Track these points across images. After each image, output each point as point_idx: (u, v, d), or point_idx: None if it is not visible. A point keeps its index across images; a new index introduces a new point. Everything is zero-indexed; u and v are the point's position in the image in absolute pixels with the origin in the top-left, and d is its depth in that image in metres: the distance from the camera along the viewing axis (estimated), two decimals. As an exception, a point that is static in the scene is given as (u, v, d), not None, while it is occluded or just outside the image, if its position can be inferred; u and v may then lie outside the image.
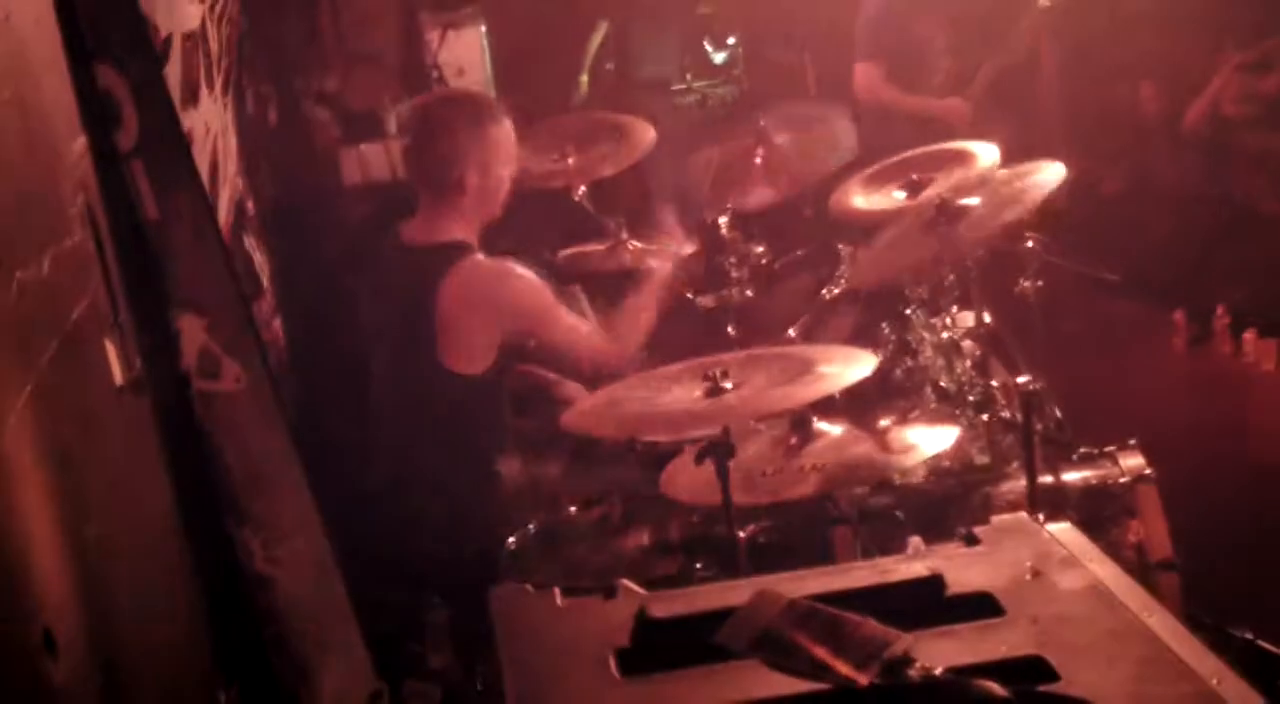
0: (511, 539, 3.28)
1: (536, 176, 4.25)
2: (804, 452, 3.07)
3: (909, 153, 4.16)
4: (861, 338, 3.85)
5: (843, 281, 4.12)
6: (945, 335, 3.94)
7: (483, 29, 7.34)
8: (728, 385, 2.82)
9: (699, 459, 2.91)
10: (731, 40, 8.35)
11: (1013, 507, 3.25)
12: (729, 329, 4.27)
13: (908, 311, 3.90)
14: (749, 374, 2.90)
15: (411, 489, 3.51)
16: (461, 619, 3.21)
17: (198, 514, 2.46)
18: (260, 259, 4.09)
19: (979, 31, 6.40)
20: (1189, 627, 3.14)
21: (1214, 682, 1.66)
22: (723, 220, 4.34)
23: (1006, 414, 3.76)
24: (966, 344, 3.94)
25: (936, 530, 3.27)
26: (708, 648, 1.83)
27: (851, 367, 2.96)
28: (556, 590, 2.09)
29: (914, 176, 3.85)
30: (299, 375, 4.28)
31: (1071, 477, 3.41)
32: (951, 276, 3.99)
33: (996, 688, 1.64)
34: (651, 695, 1.80)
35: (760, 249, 4.44)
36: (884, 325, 3.93)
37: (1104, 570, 1.95)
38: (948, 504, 3.42)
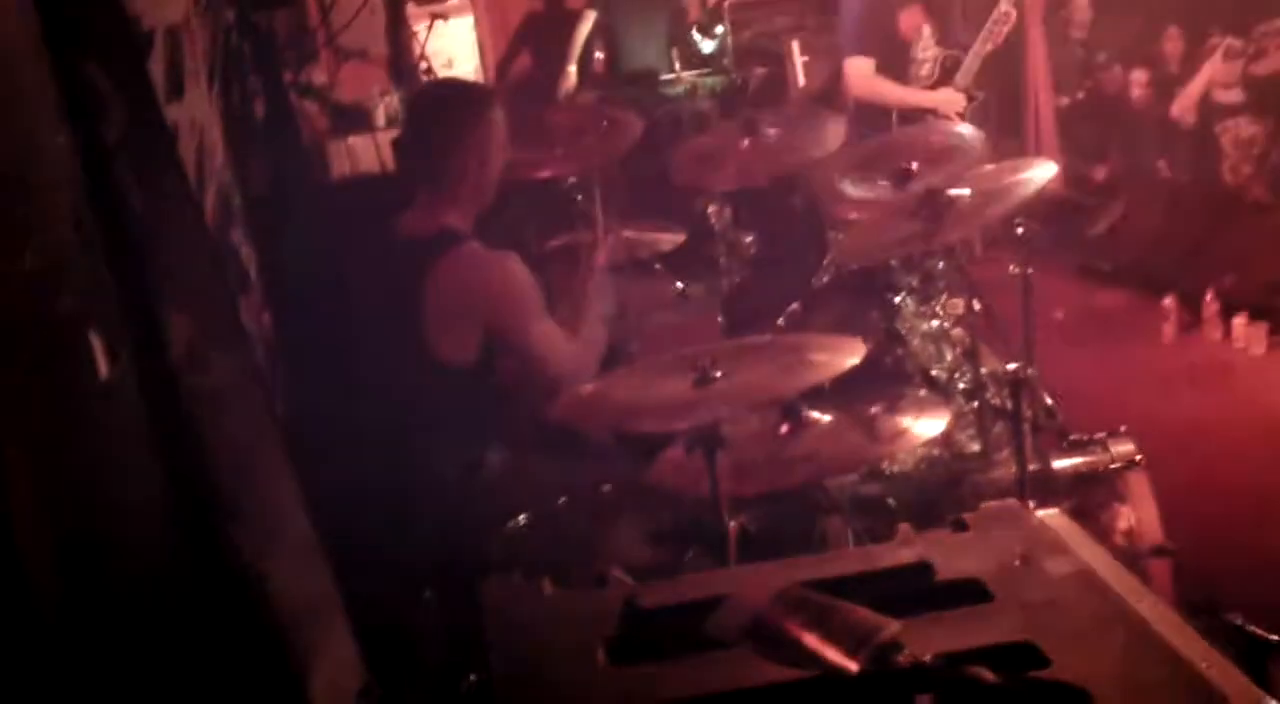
0: (501, 531, 3.28)
1: (525, 167, 4.24)
2: (794, 440, 3.07)
3: (897, 136, 4.16)
4: (851, 326, 3.85)
5: (832, 269, 4.12)
6: (935, 323, 3.94)
7: (471, 20, 7.35)
8: (717, 374, 2.82)
9: (688, 449, 2.90)
10: (720, 30, 8.35)
11: (1004, 494, 3.25)
12: (718, 318, 4.27)
13: (897, 299, 3.89)
14: (738, 363, 2.90)
15: (401, 482, 3.50)
16: (452, 612, 3.21)
17: (184, 509, 2.45)
18: (248, 252, 4.07)
19: (964, 20, 6.41)
20: (1180, 612, 3.17)
21: (1203, 666, 1.66)
22: (711, 209, 4.33)
23: (996, 401, 3.76)
24: (956, 332, 3.94)
25: (927, 518, 3.29)
26: (697, 637, 1.82)
27: (841, 355, 2.96)
28: (546, 581, 2.09)
29: (903, 165, 3.84)
30: (287, 369, 4.27)
31: (1062, 463, 3.42)
32: (941, 264, 3.99)
33: (986, 673, 1.64)
34: (640, 685, 1.80)
35: (749, 238, 4.44)
36: (873, 313, 3.92)
37: (1093, 556, 1.95)
38: (938, 492, 3.43)
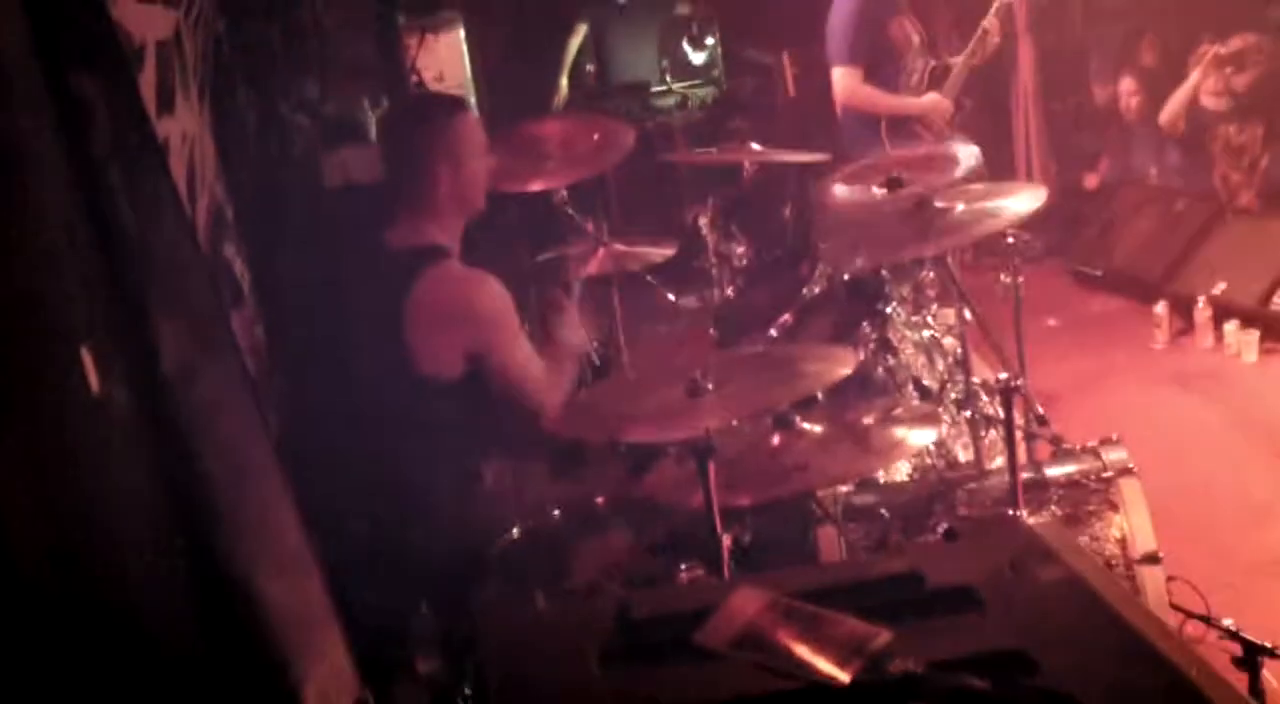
0: (496, 542, 3.28)
1: (517, 179, 4.24)
2: (787, 451, 3.08)
3: (891, 152, 4.17)
4: (842, 336, 3.86)
5: (823, 279, 4.12)
6: (926, 333, 3.96)
7: (461, 33, 7.35)
8: (709, 386, 2.82)
9: (681, 460, 2.90)
10: (710, 41, 8.37)
11: (996, 503, 3.26)
12: (710, 329, 4.28)
13: (888, 309, 3.91)
14: (730, 374, 2.90)
15: (395, 494, 3.50)
16: (448, 623, 3.21)
17: (177, 520, 2.44)
18: (241, 266, 4.07)
19: (952, 30, 6.44)
20: (1173, 619, 3.17)
21: (1193, 673, 1.66)
22: (703, 221, 4.34)
23: (989, 410, 3.77)
24: (947, 341, 3.96)
25: (920, 527, 3.30)
26: (689, 647, 1.83)
27: (832, 365, 2.96)
28: (539, 593, 2.10)
29: (895, 175, 3.85)
30: (280, 381, 4.26)
31: (1054, 471, 3.42)
32: (931, 274, 4.00)
33: (977, 681, 1.64)
34: (633, 696, 1.80)
35: (740, 249, 4.45)
36: (865, 323, 3.93)
37: (1083, 564, 1.95)
38: (931, 501, 3.43)
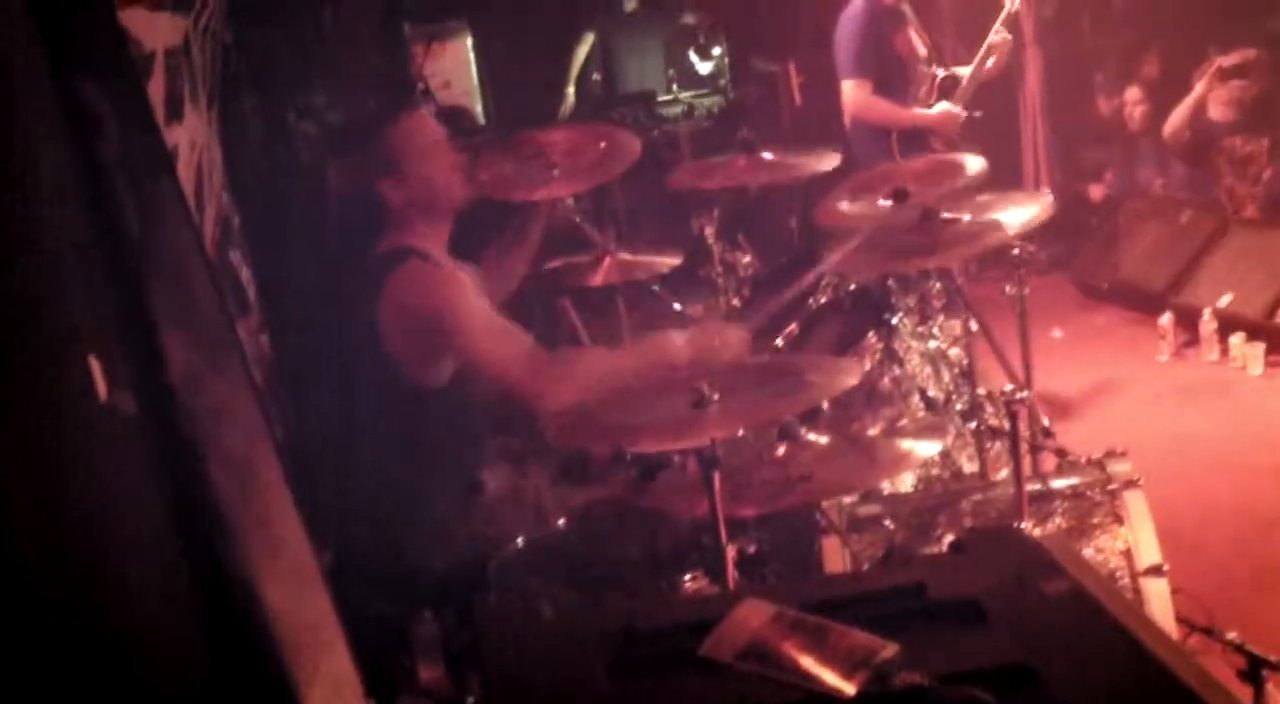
0: (500, 553, 3.28)
1: (523, 188, 4.24)
2: (792, 461, 3.07)
3: (897, 162, 4.17)
4: (848, 347, 3.86)
5: (829, 290, 4.12)
6: (932, 344, 3.96)
7: (468, 41, 7.37)
8: (714, 396, 2.82)
9: (686, 470, 2.90)
10: (717, 50, 8.38)
11: (1002, 514, 3.26)
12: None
13: (894, 320, 3.90)
14: (735, 384, 2.90)
15: (397, 503, 3.50)
16: (451, 633, 3.21)
17: (183, 528, 2.45)
18: (247, 274, 4.08)
19: (959, 41, 6.45)
20: (1178, 631, 3.17)
21: (1198, 687, 1.66)
22: (709, 230, 4.34)
23: (994, 422, 3.77)
24: (953, 352, 3.96)
25: (925, 539, 3.30)
26: (695, 659, 1.83)
27: (838, 376, 2.96)
28: (543, 603, 2.09)
29: (901, 186, 3.85)
30: (286, 390, 4.27)
31: (1059, 483, 3.42)
32: (937, 285, 4.00)
33: (982, 695, 1.64)
34: (639, 707, 1.80)
35: (746, 259, 4.45)
36: (871, 334, 3.93)
37: (1088, 577, 1.95)
38: (936, 513, 3.43)
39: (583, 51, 8.29)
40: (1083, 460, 3.51)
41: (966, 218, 3.54)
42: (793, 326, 4.01)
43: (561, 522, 3.35)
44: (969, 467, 3.81)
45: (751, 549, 3.16)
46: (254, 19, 4.69)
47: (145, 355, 2.40)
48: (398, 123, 3.64)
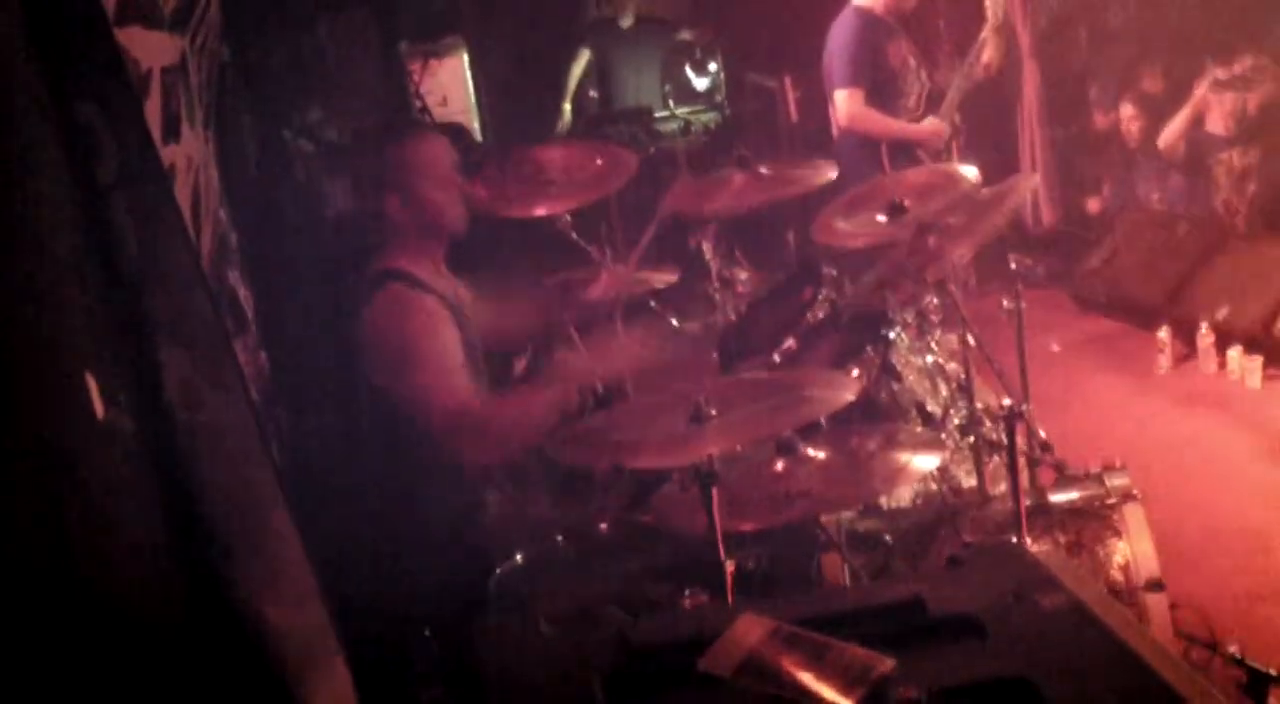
0: (499, 569, 3.27)
1: (520, 204, 4.25)
2: (790, 477, 3.07)
3: (889, 175, 4.18)
4: (845, 362, 3.86)
5: (826, 305, 4.12)
6: (929, 358, 3.95)
7: (465, 59, 7.38)
8: (712, 412, 2.82)
9: (685, 486, 2.90)
10: (713, 66, 8.40)
11: (1000, 529, 3.26)
12: (713, 354, 4.28)
13: (891, 335, 3.90)
14: (734, 400, 2.90)
15: (397, 520, 3.50)
16: (450, 651, 3.20)
17: (181, 547, 2.45)
18: (245, 292, 4.08)
19: (953, 55, 6.50)
20: (1178, 645, 3.16)
21: (1197, 701, 1.66)
22: (706, 246, 4.34)
23: (992, 436, 3.77)
24: (951, 367, 3.95)
25: (924, 553, 3.30)
26: (692, 675, 1.82)
27: (836, 391, 2.97)
28: (541, 620, 2.09)
29: (895, 200, 3.86)
30: (284, 407, 4.27)
31: (1058, 498, 3.41)
32: (934, 299, 4.00)
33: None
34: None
35: (744, 274, 4.45)
36: (868, 349, 3.93)
37: (1086, 591, 1.95)
38: (935, 527, 3.43)
39: (579, 68, 8.31)
40: (1081, 474, 3.51)
41: (961, 218, 3.56)
42: (790, 342, 4.01)
43: (561, 539, 3.34)
44: (968, 481, 3.80)
45: (750, 564, 3.16)
46: (251, 37, 4.70)
47: (143, 373, 2.40)
48: (412, 143, 3.64)
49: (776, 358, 4.01)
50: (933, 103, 6.03)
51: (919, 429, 3.66)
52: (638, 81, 8.35)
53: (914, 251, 3.61)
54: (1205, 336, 6.24)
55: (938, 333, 3.99)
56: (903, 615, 1.97)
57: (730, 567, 2.88)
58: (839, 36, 5.96)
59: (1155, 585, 3.23)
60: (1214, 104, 7.13)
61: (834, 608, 2.04)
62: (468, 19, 7.55)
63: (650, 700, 1.82)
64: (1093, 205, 7.98)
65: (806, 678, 1.76)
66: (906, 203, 3.83)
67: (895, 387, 3.87)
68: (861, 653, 1.78)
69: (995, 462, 3.76)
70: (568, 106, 8.26)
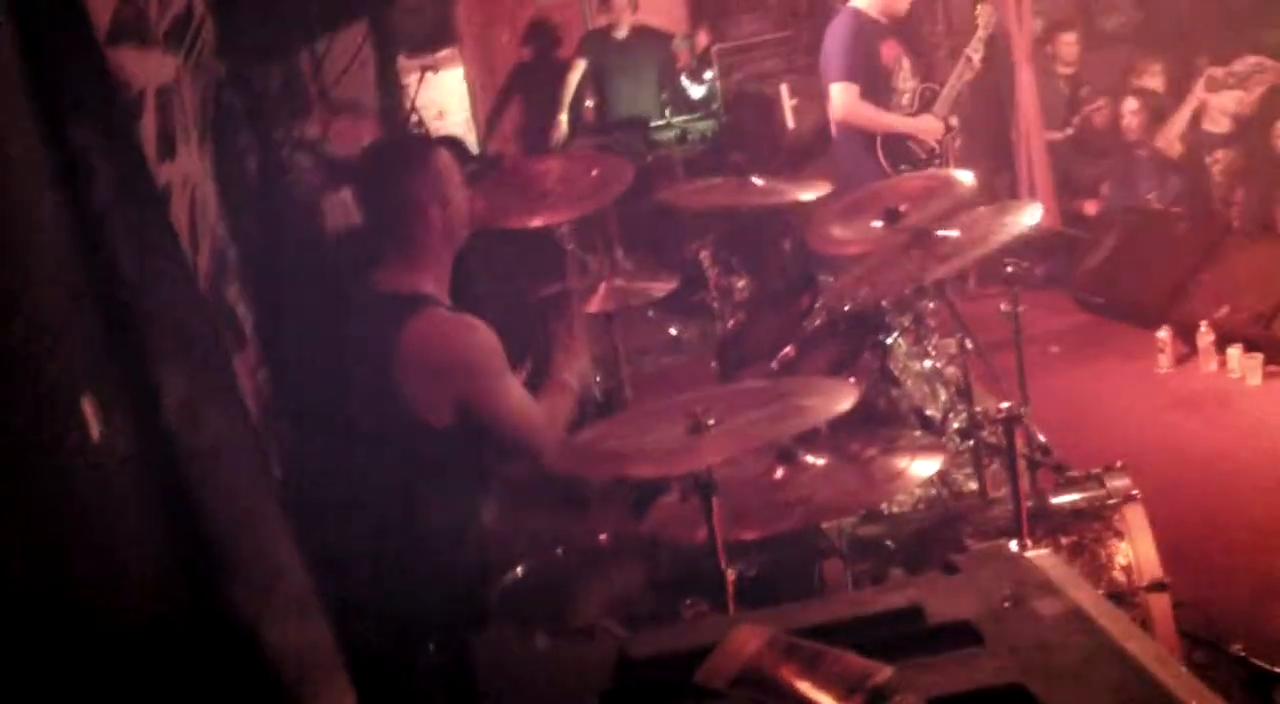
0: (499, 582, 3.28)
1: (517, 215, 4.26)
2: (790, 484, 3.07)
3: (887, 181, 4.19)
4: (844, 368, 3.86)
5: (824, 311, 4.12)
6: (928, 363, 3.95)
7: (461, 72, 7.40)
8: (711, 421, 2.82)
9: (684, 495, 2.90)
10: (709, 75, 8.41)
11: (1002, 532, 3.25)
12: (711, 363, 4.28)
13: (889, 340, 3.91)
14: (732, 408, 2.90)
15: (397, 535, 3.50)
16: (450, 664, 3.20)
17: (182, 565, 2.45)
18: (243, 310, 4.08)
19: (942, 51, 6.56)
20: (1181, 646, 3.16)
21: (1194, 705, 1.66)
22: (703, 254, 4.35)
23: (992, 440, 3.77)
24: (949, 371, 3.96)
25: (926, 558, 3.29)
26: (689, 687, 1.83)
27: (834, 398, 2.96)
28: (539, 633, 2.10)
29: (892, 206, 3.87)
30: (284, 425, 4.27)
31: (1059, 500, 3.41)
32: (932, 304, 4.00)
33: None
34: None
35: (741, 282, 4.46)
36: (866, 355, 3.93)
37: (1084, 596, 1.95)
38: (937, 532, 3.43)
39: (575, 79, 8.32)
40: (1082, 476, 3.51)
41: (955, 233, 3.56)
42: (788, 349, 4.01)
43: (560, 550, 3.35)
44: (969, 485, 3.81)
45: (752, 573, 3.16)
46: (245, 52, 4.71)
47: (142, 393, 2.41)
48: (441, 155, 3.65)
49: (775, 365, 4.01)
50: (927, 104, 6.19)
51: (918, 434, 3.66)
52: (634, 91, 8.36)
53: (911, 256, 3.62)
54: (1205, 335, 6.24)
55: (936, 338, 4.00)
56: (900, 623, 1.97)
57: (731, 575, 2.89)
58: (835, 34, 6.15)
59: (1157, 586, 3.23)
60: (1212, 103, 7.14)
61: (831, 616, 2.04)
62: (465, 31, 7.58)
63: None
64: (1090, 207, 7.98)
65: (804, 687, 1.76)
66: (903, 209, 3.84)
67: (894, 392, 3.87)
68: (859, 662, 1.78)
69: (995, 465, 3.77)
70: (564, 117, 8.26)
